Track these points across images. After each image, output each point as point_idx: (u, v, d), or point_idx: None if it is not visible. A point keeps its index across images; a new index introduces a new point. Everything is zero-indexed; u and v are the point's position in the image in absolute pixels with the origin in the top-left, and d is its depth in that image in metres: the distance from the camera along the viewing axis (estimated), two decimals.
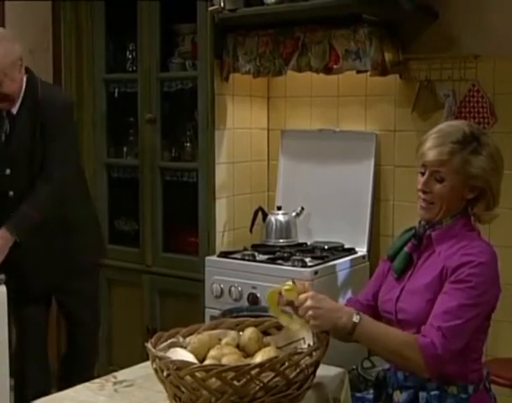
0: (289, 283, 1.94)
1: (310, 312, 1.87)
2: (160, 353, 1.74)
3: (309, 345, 1.85)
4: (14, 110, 2.98)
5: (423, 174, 2.01)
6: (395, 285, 2.08)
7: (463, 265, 1.91)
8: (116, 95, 3.97)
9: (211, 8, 3.37)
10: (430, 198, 2.00)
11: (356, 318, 1.89)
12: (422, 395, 1.96)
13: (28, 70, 3.04)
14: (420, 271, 2.04)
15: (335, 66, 3.29)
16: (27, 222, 2.94)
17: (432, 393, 1.95)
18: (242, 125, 3.71)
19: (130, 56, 3.92)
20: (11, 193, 3.00)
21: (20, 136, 2.98)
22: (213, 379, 1.63)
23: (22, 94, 2.98)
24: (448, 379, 1.95)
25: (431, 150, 1.98)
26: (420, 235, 2.07)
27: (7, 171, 2.99)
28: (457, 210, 2.01)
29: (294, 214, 3.53)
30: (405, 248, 2.09)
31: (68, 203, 3.09)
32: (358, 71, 3.33)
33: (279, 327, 2.01)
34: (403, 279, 2.07)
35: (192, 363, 1.69)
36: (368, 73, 3.31)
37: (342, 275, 3.27)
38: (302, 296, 1.91)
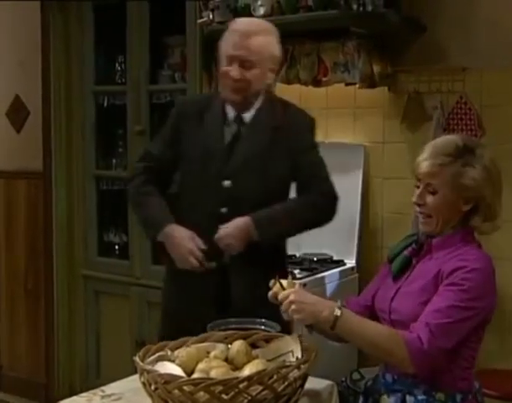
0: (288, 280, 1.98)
1: (293, 306, 1.89)
2: (148, 367, 1.73)
3: (297, 358, 1.85)
4: (247, 116, 2.54)
5: (418, 187, 2.03)
6: (392, 285, 2.09)
7: (458, 269, 1.92)
8: (105, 107, 3.97)
9: (199, 21, 3.39)
10: (425, 211, 2.01)
11: (337, 312, 1.89)
12: (410, 399, 1.96)
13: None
14: (416, 274, 2.05)
15: (324, 79, 3.30)
16: (272, 226, 2.44)
17: (419, 398, 1.95)
18: None
19: (119, 68, 3.92)
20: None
21: (250, 147, 2.51)
22: (201, 393, 1.62)
23: (259, 104, 2.53)
24: (436, 384, 1.95)
25: (423, 162, 2.01)
26: (422, 242, 2.08)
27: (226, 183, 2.48)
28: (456, 222, 2.02)
29: None
30: (405, 252, 2.10)
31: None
32: (347, 84, 3.34)
33: (268, 340, 2.00)
34: (400, 280, 2.08)
35: (180, 377, 1.68)
36: (357, 85, 3.32)
37: (330, 287, 3.26)
38: (286, 292, 1.92)
